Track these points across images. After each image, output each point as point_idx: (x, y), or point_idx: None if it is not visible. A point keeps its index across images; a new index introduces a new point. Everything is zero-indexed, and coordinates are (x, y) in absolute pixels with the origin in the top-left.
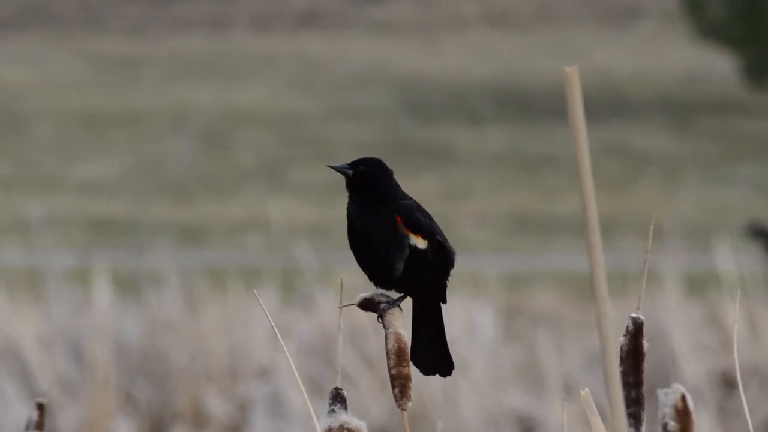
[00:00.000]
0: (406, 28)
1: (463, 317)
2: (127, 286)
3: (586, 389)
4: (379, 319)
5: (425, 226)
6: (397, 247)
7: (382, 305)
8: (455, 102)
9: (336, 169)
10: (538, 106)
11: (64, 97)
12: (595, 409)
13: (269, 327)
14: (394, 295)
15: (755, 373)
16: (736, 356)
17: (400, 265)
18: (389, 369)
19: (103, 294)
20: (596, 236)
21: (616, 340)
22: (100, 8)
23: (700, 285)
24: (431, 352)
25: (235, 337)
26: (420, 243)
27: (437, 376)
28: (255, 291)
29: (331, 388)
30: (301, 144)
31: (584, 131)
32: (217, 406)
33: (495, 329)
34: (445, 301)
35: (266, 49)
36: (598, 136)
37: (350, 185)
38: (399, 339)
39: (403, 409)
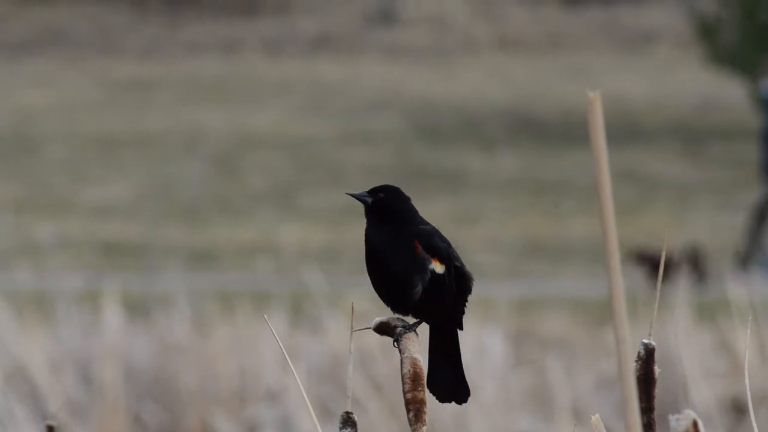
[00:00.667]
0: (419, 53)
1: (474, 341)
2: (137, 308)
3: (597, 415)
4: (395, 343)
5: (443, 250)
6: (416, 270)
7: (398, 329)
8: (468, 126)
9: (355, 196)
10: (550, 131)
11: (77, 119)
12: None
13: (278, 350)
14: (410, 320)
15: (765, 399)
16: (747, 382)
17: (419, 290)
18: (404, 393)
19: (112, 316)
20: (616, 260)
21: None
22: (114, 31)
23: (710, 310)
24: (447, 379)
25: (245, 360)
26: (438, 267)
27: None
28: (265, 315)
29: (340, 411)
30: (313, 168)
31: (605, 155)
32: (226, 429)
33: (505, 353)
34: (461, 328)
35: (278, 73)
36: (610, 161)
37: (369, 212)
38: (414, 364)
39: None
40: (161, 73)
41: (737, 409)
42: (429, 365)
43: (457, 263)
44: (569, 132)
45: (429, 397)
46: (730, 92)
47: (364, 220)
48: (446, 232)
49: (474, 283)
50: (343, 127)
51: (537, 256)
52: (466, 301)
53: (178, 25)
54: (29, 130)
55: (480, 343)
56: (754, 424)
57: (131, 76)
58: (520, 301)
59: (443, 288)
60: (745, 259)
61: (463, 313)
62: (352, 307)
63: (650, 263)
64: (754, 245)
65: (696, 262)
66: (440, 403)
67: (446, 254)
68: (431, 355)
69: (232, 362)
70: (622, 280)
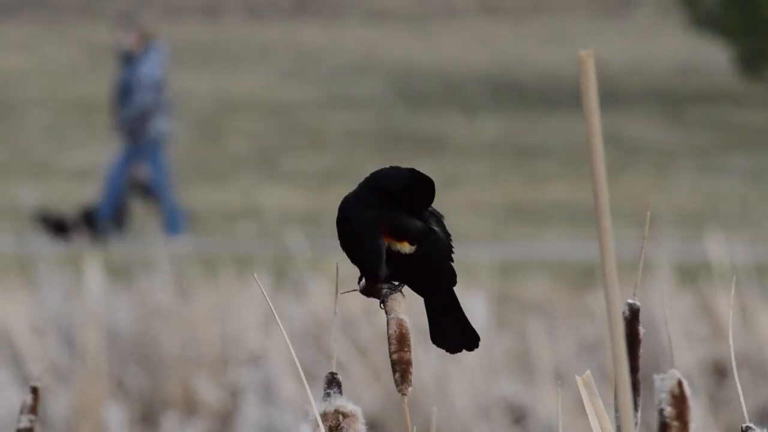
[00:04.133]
0: (401, 17)
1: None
2: (119, 272)
3: (588, 372)
4: (381, 304)
5: (413, 231)
6: (373, 253)
7: (384, 291)
8: (449, 91)
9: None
10: (531, 95)
11: (58, 84)
12: (597, 392)
13: (260, 314)
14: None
15: (746, 362)
16: (731, 344)
17: (384, 270)
18: (390, 354)
19: (94, 280)
20: (607, 222)
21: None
22: None
23: (691, 274)
24: (453, 330)
25: (227, 324)
26: (406, 248)
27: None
28: (254, 274)
29: (322, 375)
30: (295, 132)
31: (598, 115)
32: (209, 393)
33: (487, 317)
34: (455, 284)
35: (260, 37)
36: None
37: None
38: (400, 324)
39: (403, 394)
40: None
41: (718, 372)
42: (429, 322)
43: (435, 230)
44: (550, 96)
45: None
46: (711, 56)
47: (346, 184)
48: None
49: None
50: (325, 91)
51: (518, 220)
52: (451, 260)
53: None
54: (9, 94)
55: (462, 306)
56: (739, 386)
57: (112, 40)
58: (502, 264)
59: (413, 265)
60: (119, 218)
61: (452, 273)
62: (337, 268)
63: (53, 225)
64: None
65: (90, 222)
66: (421, 366)
67: (417, 232)
68: (429, 312)
69: (214, 326)
70: (613, 242)
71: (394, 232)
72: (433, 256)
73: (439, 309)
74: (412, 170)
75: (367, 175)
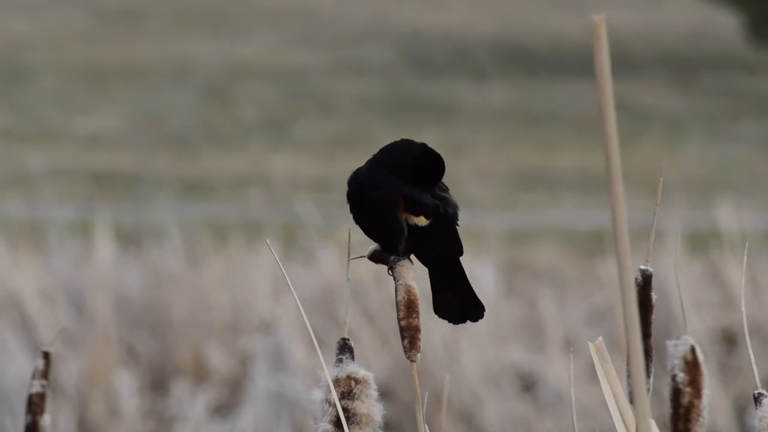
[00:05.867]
0: None
1: (465, 272)
2: (129, 239)
3: (600, 338)
4: (389, 271)
5: (430, 207)
6: (393, 226)
7: (392, 257)
8: (458, 57)
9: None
10: (541, 62)
11: (66, 49)
12: (609, 358)
13: (270, 281)
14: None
15: (756, 330)
16: (744, 311)
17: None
18: (399, 320)
19: (104, 247)
20: (619, 187)
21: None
22: None
23: (702, 242)
24: (457, 301)
25: (237, 291)
26: (421, 222)
27: (462, 323)
28: (267, 240)
29: (332, 342)
30: (304, 98)
31: (610, 81)
32: (219, 360)
33: (496, 285)
34: (461, 254)
35: (269, 3)
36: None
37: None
38: (409, 291)
39: (412, 361)
40: (150, 3)
41: (727, 340)
42: (433, 293)
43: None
44: (560, 63)
45: (422, 327)
46: (721, 22)
47: (355, 151)
48: None
49: (458, 209)
50: (334, 57)
51: (528, 188)
52: (456, 230)
53: None
54: (18, 59)
55: (471, 274)
56: (751, 352)
57: (120, 5)
58: (511, 232)
59: (427, 236)
60: None
61: (459, 244)
62: (349, 234)
63: None
64: None
65: None
66: (431, 333)
67: (434, 207)
68: (434, 284)
69: (225, 293)
70: (625, 208)
71: (412, 207)
72: (446, 228)
73: (445, 280)
74: (423, 146)
75: (376, 142)
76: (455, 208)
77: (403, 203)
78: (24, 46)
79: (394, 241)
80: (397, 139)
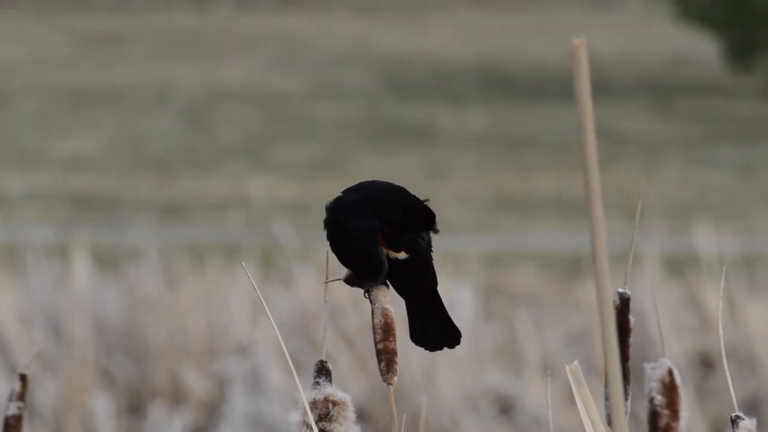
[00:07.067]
0: (390, 7)
1: (444, 295)
2: (107, 261)
3: (575, 362)
4: (366, 294)
5: (410, 242)
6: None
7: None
8: (438, 81)
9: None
10: (520, 86)
11: (47, 72)
12: (584, 382)
13: (248, 303)
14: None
15: (733, 354)
16: (721, 335)
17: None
18: (375, 344)
19: (82, 269)
20: (599, 210)
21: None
22: None
23: (679, 265)
24: (433, 329)
25: (214, 314)
26: (401, 255)
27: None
28: (243, 263)
29: (310, 364)
30: (284, 122)
31: (590, 104)
32: (196, 382)
33: (475, 307)
34: (436, 285)
35: (249, 27)
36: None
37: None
38: (386, 314)
39: (389, 384)
40: (131, 27)
41: (705, 364)
42: (409, 320)
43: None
44: (539, 88)
45: (399, 349)
46: (700, 48)
47: (334, 174)
48: (416, 186)
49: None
50: (314, 81)
51: (506, 211)
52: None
53: None
54: None
55: (450, 297)
56: (729, 376)
57: (101, 29)
58: (490, 255)
59: (405, 268)
60: None
61: (432, 278)
62: (327, 256)
63: None
64: None
65: None
66: (409, 356)
67: (413, 242)
68: (410, 310)
69: (202, 315)
70: (605, 230)
71: (392, 243)
72: (422, 259)
73: (422, 309)
74: (415, 201)
75: (356, 165)
76: (429, 238)
77: (382, 238)
78: (5, 69)
79: (374, 274)
80: (377, 162)
